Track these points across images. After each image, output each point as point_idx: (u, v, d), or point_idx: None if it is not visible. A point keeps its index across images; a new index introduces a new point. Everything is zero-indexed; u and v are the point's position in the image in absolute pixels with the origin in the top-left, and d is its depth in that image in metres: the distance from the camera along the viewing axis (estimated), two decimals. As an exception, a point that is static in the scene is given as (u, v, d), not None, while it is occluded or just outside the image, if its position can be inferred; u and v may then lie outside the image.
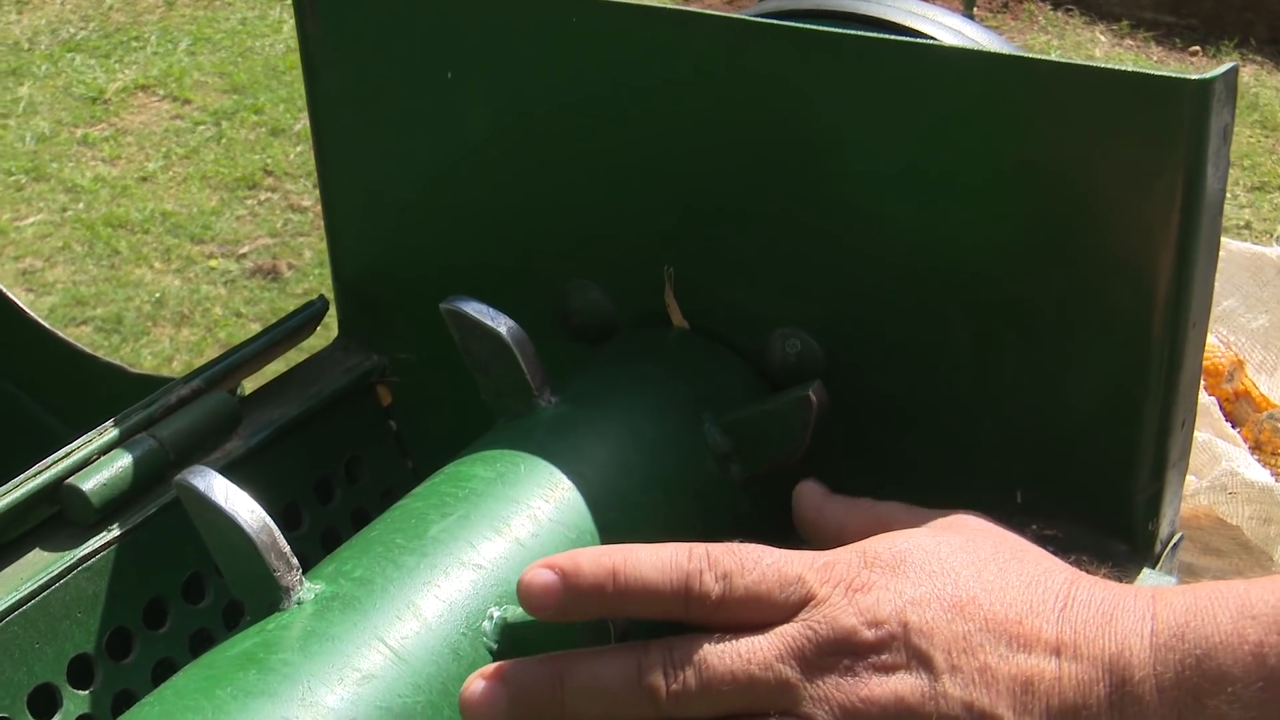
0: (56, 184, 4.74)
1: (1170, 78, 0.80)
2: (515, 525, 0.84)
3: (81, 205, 4.56)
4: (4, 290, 1.43)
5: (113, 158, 4.88)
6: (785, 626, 0.66)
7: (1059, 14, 5.60)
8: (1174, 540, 0.93)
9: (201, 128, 4.83)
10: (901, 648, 0.64)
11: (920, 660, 0.64)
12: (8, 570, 0.96)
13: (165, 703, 0.75)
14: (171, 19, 5.71)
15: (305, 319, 1.18)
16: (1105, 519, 0.91)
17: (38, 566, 0.96)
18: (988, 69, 0.87)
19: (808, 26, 0.93)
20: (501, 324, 0.94)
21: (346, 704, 0.74)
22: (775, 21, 0.93)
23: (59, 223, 4.49)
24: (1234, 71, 0.82)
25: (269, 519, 0.81)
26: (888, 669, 0.64)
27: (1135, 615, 0.64)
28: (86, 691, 0.97)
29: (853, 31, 0.94)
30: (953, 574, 0.68)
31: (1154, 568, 0.90)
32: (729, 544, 0.71)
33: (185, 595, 1.04)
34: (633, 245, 1.01)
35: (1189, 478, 2.15)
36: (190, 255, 4.28)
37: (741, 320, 0.99)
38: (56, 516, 1.00)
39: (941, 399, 0.94)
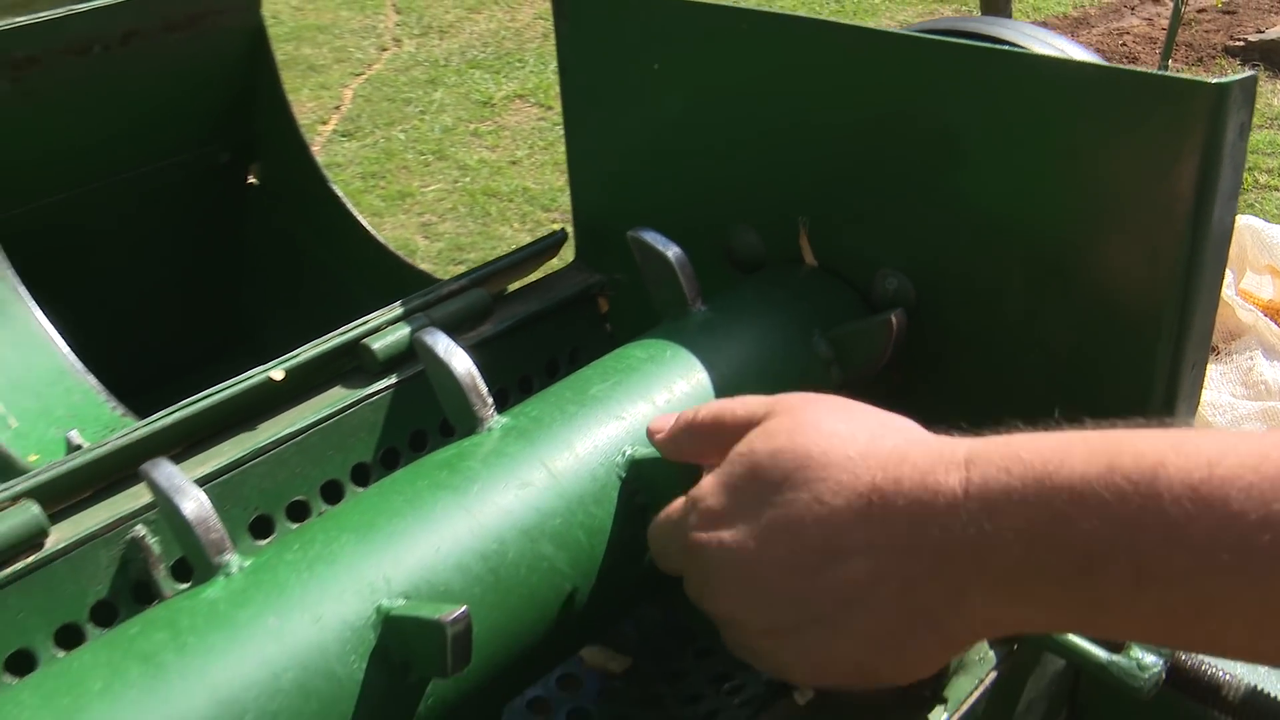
0: (452, 163, 4.98)
1: (1193, 81, 0.77)
2: (654, 393, 0.88)
3: (468, 179, 4.78)
4: (351, 209, 1.55)
5: (493, 146, 5.09)
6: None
7: (1245, 67, 5.18)
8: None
9: (558, 128, 4.98)
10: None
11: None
12: (316, 398, 1.04)
13: (384, 485, 0.82)
14: (546, 46, 5.90)
15: (550, 244, 1.23)
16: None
17: (336, 398, 1.04)
18: (1059, 72, 0.85)
19: (928, 35, 0.92)
20: (669, 249, 0.96)
21: (508, 500, 0.79)
22: (902, 32, 0.92)
23: (451, 190, 4.72)
24: (1252, 79, 0.77)
25: (474, 368, 0.86)
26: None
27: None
28: (362, 490, 1.04)
29: (965, 41, 0.93)
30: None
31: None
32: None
33: (442, 430, 1.10)
34: (781, 200, 1.02)
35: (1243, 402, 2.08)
36: (540, 220, 4.44)
37: (855, 261, 0.99)
38: (354, 366, 1.07)
39: (998, 332, 0.92)
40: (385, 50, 6.19)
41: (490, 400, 0.86)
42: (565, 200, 4.53)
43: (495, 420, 0.85)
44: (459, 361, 0.85)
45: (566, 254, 1.25)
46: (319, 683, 0.69)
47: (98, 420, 1.22)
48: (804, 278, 1.00)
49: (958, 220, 0.92)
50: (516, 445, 0.83)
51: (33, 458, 1.17)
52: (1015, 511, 0.58)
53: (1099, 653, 0.73)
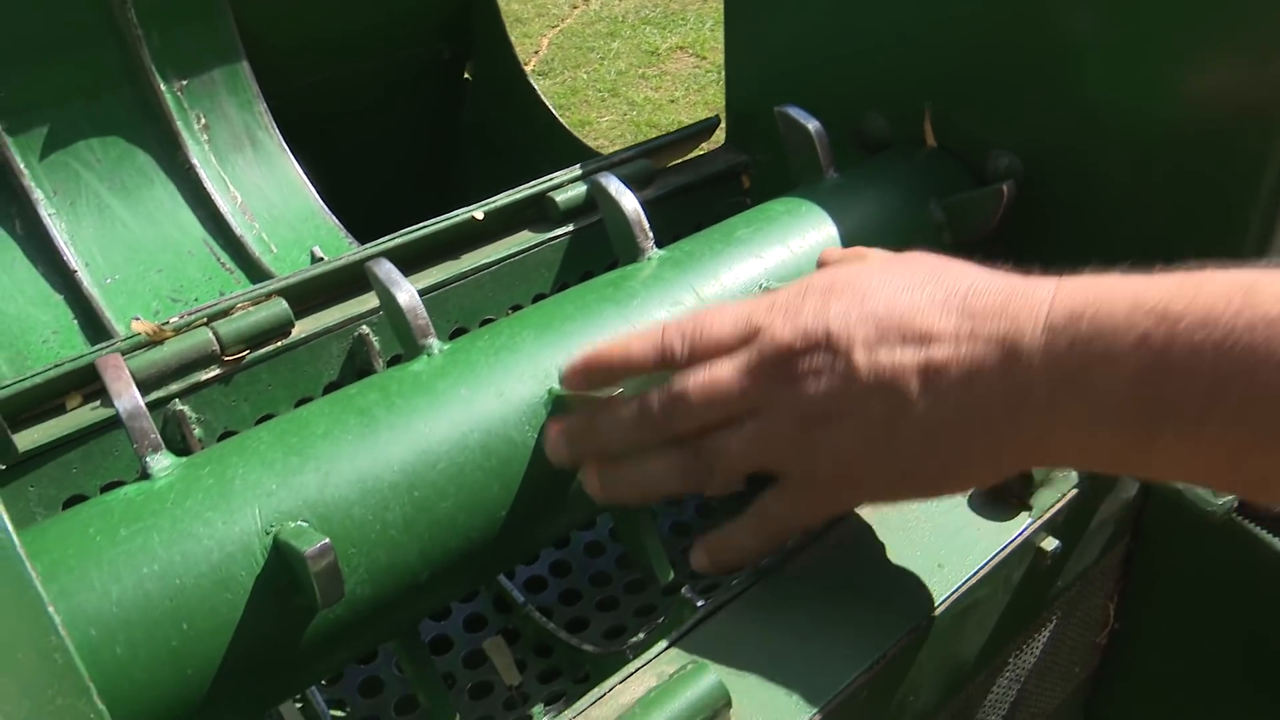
0: (622, 99, 4.87)
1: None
2: (789, 239, 0.81)
3: (635, 113, 4.67)
4: (547, 103, 1.49)
5: (657, 87, 4.96)
6: (739, 351, 0.56)
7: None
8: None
9: (710, 75, 4.83)
10: (825, 351, 0.52)
11: (841, 359, 0.52)
12: (508, 238, 1.00)
13: (559, 297, 0.77)
14: (704, 8, 5.70)
15: (704, 128, 1.16)
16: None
17: (524, 239, 1.00)
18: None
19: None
20: (810, 123, 0.88)
21: (662, 314, 0.73)
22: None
23: (620, 121, 4.63)
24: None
25: (639, 206, 0.80)
26: (817, 370, 0.52)
27: (1033, 300, 0.49)
28: (541, 314, 1.01)
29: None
30: (871, 292, 0.53)
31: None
32: (700, 312, 0.60)
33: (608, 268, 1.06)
34: (908, 89, 0.93)
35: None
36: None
37: (972, 141, 0.89)
38: (540, 215, 1.03)
39: (1100, 209, 0.82)
40: (576, 8, 6.07)
41: (651, 234, 0.80)
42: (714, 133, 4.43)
43: (654, 252, 0.80)
44: (627, 200, 0.80)
45: (718, 140, 1.17)
46: (498, 444, 0.65)
47: (337, 250, 1.21)
48: (925, 156, 0.91)
49: (1070, 108, 0.81)
50: (671, 272, 0.77)
51: (287, 278, 1.16)
52: (1129, 338, 0.46)
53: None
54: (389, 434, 0.64)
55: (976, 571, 0.60)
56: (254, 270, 1.16)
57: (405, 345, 0.72)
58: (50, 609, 0.41)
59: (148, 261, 1.15)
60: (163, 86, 1.17)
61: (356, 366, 0.93)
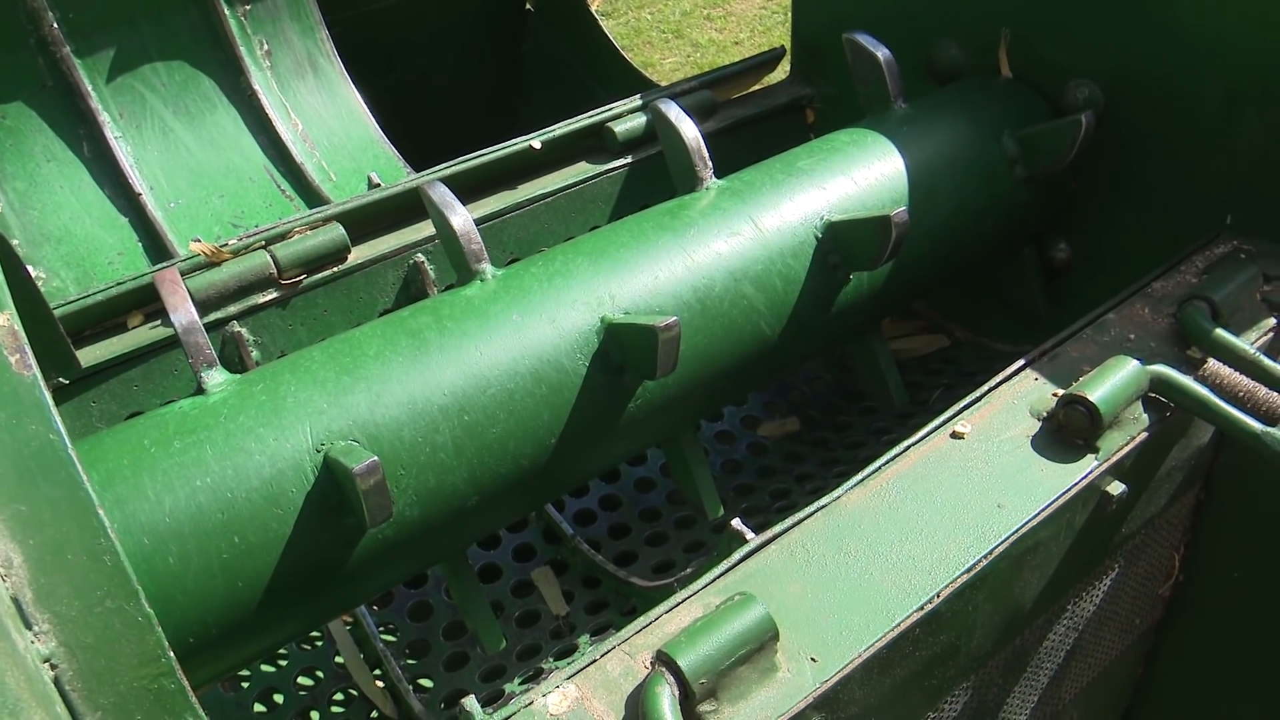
0: (686, 41, 4.77)
1: None
2: (854, 171, 0.77)
3: (699, 54, 4.57)
4: (608, 33, 1.46)
5: (721, 29, 4.84)
6: None
7: None
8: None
9: (776, 15, 4.70)
10: None
11: None
12: (566, 169, 0.99)
13: (615, 225, 0.75)
14: (771, -52, 5.55)
15: (769, 58, 1.12)
16: (1294, 244, 0.73)
17: (583, 170, 0.98)
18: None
19: None
20: (879, 50, 0.84)
21: (719, 245, 0.71)
22: None
23: (683, 64, 4.53)
24: None
25: (699, 134, 0.77)
26: None
27: None
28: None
29: None
30: None
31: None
32: None
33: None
34: (983, 13, 0.88)
35: None
36: (751, 92, 4.25)
37: (1050, 70, 0.84)
38: (598, 146, 1.01)
39: (1188, 141, 0.77)
40: (639, -54, 5.94)
41: (710, 163, 0.77)
42: (774, 76, 4.33)
43: (713, 181, 0.77)
44: (687, 127, 0.77)
45: (782, 72, 1.13)
46: (549, 371, 0.64)
47: (394, 179, 1.20)
48: (1000, 86, 0.87)
49: (1158, 30, 0.76)
50: (730, 202, 0.74)
51: (346, 206, 1.16)
52: None
53: (1253, 423, 0.61)
54: (440, 357, 0.63)
55: (1038, 514, 0.58)
56: (313, 198, 1.15)
57: (459, 270, 0.71)
58: (100, 512, 0.41)
59: (210, 186, 1.15)
60: (227, 11, 1.16)
61: (411, 294, 0.92)
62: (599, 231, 0.75)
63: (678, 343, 0.62)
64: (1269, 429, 0.60)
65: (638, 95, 1.02)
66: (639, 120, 1.00)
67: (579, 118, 0.98)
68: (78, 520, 0.41)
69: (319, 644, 0.84)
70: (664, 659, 0.49)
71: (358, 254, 0.90)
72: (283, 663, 0.83)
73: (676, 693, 0.48)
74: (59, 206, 1.09)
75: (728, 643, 0.49)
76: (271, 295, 0.86)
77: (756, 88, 1.12)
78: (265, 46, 1.20)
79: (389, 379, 0.61)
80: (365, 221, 0.91)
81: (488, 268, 0.70)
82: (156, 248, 1.07)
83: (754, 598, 0.51)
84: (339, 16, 1.25)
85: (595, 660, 0.51)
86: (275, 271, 0.86)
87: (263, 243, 0.86)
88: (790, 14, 1.08)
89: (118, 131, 1.11)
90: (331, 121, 1.21)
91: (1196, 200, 0.77)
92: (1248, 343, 0.65)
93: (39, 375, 0.41)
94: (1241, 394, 0.62)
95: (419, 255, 0.91)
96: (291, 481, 0.57)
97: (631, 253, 0.70)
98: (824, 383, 1.02)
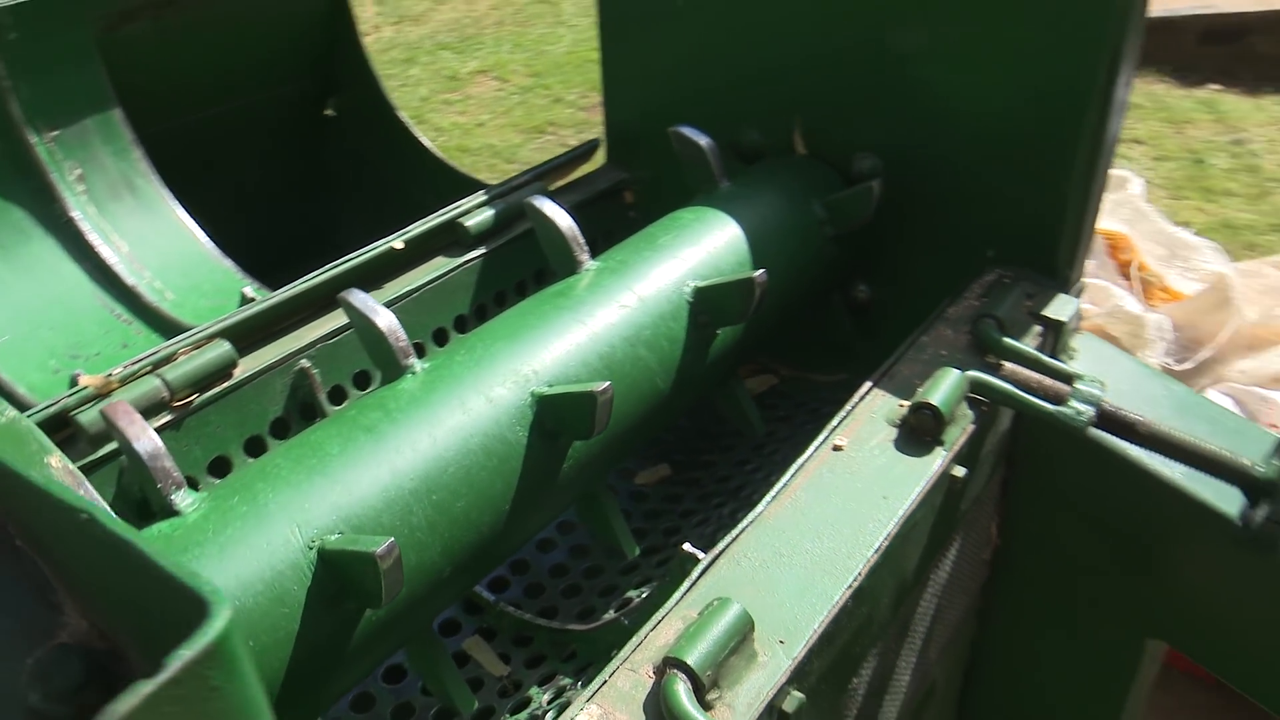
0: (429, 126, 4.85)
1: None
2: (704, 241, 0.91)
3: (444, 138, 4.66)
4: (415, 130, 1.53)
5: (462, 112, 4.97)
6: None
7: None
8: (1078, 287, 0.96)
9: (514, 96, 4.91)
10: None
11: None
12: (424, 265, 1.05)
13: (519, 308, 0.84)
14: (500, 31, 5.77)
15: (586, 150, 1.24)
16: (1041, 267, 0.94)
17: (440, 265, 1.05)
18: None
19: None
20: (702, 139, 0.99)
21: (612, 316, 0.82)
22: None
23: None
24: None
25: (574, 224, 0.88)
26: None
27: None
28: (460, 334, 1.07)
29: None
30: None
31: (1066, 292, 0.93)
32: None
33: (517, 290, 1.12)
34: (778, 104, 1.05)
35: (1089, 306, 2.09)
36: (505, 170, 4.38)
37: (838, 146, 1.03)
38: (452, 240, 1.08)
39: (952, 196, 0.97)
40: (368, 35, 5.99)
41: (586, 248, 0.88)
42: (525, 154, 4.48)
43: (590, 263, 0.88)
44: (562, 218, 0.88)
45: (598, 160, 1.26)
46: (496, 445, 0.72)
47: (233, 292, 1.22)
48: (799, 162, 1.04)
49: (920, 112, 0.96)
50: (610, 279, 0.86)
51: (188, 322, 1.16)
52: None
53: (1048, 405, 0.79)
54: (399, 446, 0.69)
55: (914, 499, 0.73)
56: (153, 318, 1.15)
57: (387, 367, 0.77)
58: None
59: (36, 319, 1.11)
60: (34, 139, 1.14)
61: (300, 400, 0.96)
62: (502, 316, 0.83)
63: (611, 404, 0.72)
64: (1059, 408, 0.79)
65: (481, 192, 1.12)
66: (488, 214, 1.09)
67: (431, 217, 1.06)
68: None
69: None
70: (673, 662, 0.58)
71: (244, 366, 0.92)
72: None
73: (690, 687, 0.57)
74: None
75: (721, 638, 0.60)
76: (165, 419, 0.87)
77: (575, 176, 1.24)
78: (78, 170, 1.18)
79: (358, 473, 0.67)
80: (245, 334, 0.94)
81: (415, 361, 0.77)
82: (-1, 388, 1.02)
83: (730, 599, 0.62)
84: (148, 130, 1.25)
85: (606, 680, 0.60)
86: (168, 395, 0.87)
87: (149, 367, 0.87)
88: (604, 108, 1.21)
89: (-65, 273, 1.05)
90: (157, 239, 1.21)
91: (966, 242, 0.97)
92: (1029, 345, 0.85)
93: None
94: (1034, 385, 0.81)
95: (304, 361, 0.95)
96: (292, 580, 0.62)
97: (540, 332, 0.80)
98: (682, 429, 1.14)
